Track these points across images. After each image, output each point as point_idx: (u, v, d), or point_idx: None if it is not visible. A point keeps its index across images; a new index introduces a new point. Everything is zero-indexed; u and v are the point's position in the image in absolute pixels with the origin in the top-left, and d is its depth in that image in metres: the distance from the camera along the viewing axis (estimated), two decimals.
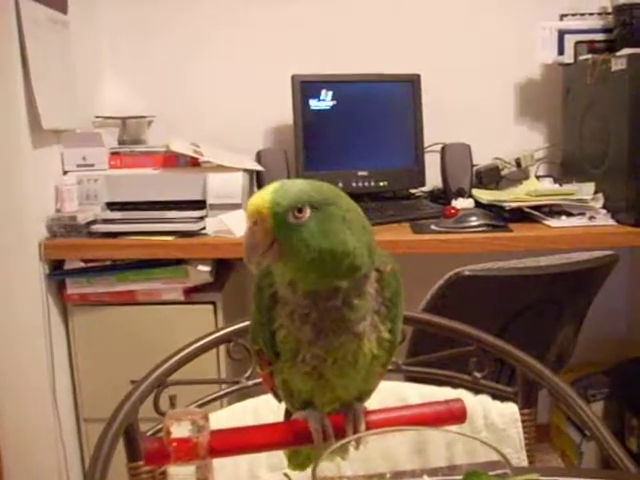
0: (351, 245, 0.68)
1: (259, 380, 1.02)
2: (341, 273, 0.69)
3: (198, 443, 0.72)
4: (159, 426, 0.98)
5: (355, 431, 0.76)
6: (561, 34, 2.39)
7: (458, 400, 0.79)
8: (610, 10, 2.33)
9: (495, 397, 1.09)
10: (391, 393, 1.06)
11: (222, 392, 1.07)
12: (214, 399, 1.07)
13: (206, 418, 0.74)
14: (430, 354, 1.12)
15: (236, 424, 0.82)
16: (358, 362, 0.73)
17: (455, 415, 0.79)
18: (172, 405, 0.95)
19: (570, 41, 2.37)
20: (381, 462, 0.74)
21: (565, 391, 0.96)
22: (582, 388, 2.57)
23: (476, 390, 1.09)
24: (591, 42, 2.36)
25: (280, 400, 0.82)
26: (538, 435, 2.06)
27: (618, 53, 2.10)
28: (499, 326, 1.63)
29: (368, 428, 0.77)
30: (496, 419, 1.05)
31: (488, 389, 1.09)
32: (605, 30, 2.36)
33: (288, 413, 0.83)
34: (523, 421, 1.06)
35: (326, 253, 0.67)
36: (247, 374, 1.05)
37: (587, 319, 1.97)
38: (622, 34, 2.24)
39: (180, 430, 0.72)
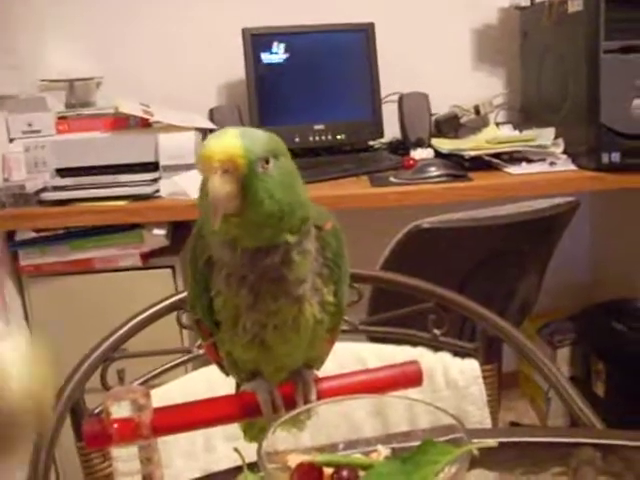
0: (302, 196, 0.66)
1: None
2: (293, 227, 0.65)
3: (140, 422, 0.69)
4: None
5: (306, 400, 0.73)
6: None
7: (413, 362, 0.76)
8: None
9: (457, 354, 1.06)
10: (349, 354, 1.03)
11: (174, 362, 1.03)
12: (167, 369, 1.03)
13: (147, 396, 0.70)
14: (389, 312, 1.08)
15: (188, 396, 0.78)
16: (300, 327, 0.69)
17: (410, 378, 0.75)
18: (120, 380, 0.91)
19: None
20: (340, 427, 0.71)
21: (528, 347, 0.93)
22: (548, 334, 2.58)
23: (436, 348, 1.06)
24: None
25: (227, 373, 0.78)
26: (508, 381, 2.06)
27: None
28: (461, 278, 1.61)
29: (320, 396, 0.73)
30: (457, 376, 1.02)
31: (448, 346, 1.06)
32: None
33: (239, 386, 0.79)
34: (485, 377, 1.03)
35: (286, 205, 0.63)
36: (198, 342, 1.01)
37: (550, 266, 1.96)
38: None
39: (121, 410, 0.69)
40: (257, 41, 2.29)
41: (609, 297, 2.49)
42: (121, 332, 0.97)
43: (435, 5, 2.51)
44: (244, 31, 2.27)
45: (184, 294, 1.04)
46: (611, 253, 2.68)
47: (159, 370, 1.01)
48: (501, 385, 1.15)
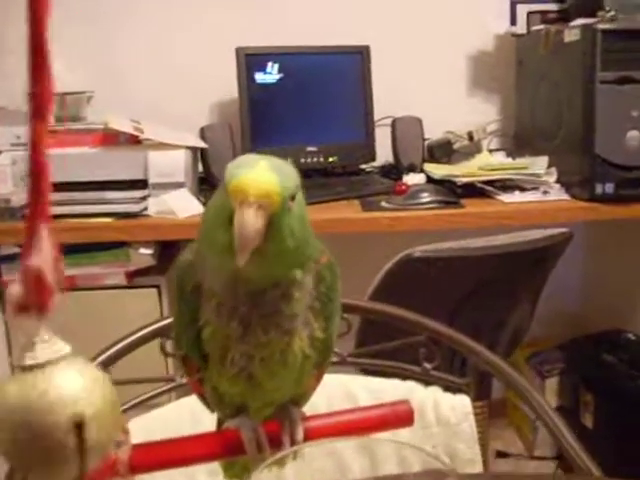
0: (311, 231, 0.63)
1: None
2: (302, 263, 0.63)
3: (117, 460, 0.65)
4: None
5: (292, 439, 0.69)
6: (513, 4, 2.34)
7: (404, 402, 0.73)
8: None
9: (448, 388, 1.03)
10: (337, 387, 1.00)
11: (157, 391, 1.00)
12: (149, 398, 1.00)
13: (126, 432, 0.66)
14: (379, 344, 1.05)
15: (171, 426, 0.75)
16: (288, 361, 0.66)
17: (401, 418, 0.72)
18: None
19: (522, 11, 2.33)
20: (327, 467, 0.68)
21: (520, 384, 0.90)
22: (537, 364, 2.55)
23: (427, 382, 1.03)
24: (544, 12, 2.32)
25: (212, 410, 0.75)
26: (496, 409, 2.04)
27: (571, 24, 2.05)
28: (452, 307, 1.58)
29: (306, 435, 0.70)
30: (448, 413, 0.99)
31: (439, 380, 1.03)
32: (557, 0, 2.31)
33: (220, 422, 0.76)
34: (476, 414, 1.00)
35: (302, 241, 0.61)
36: (182, 372, 0.98)
37: (541, 294, 1.93)
38: (575, 4, 2.21)
39: None
40: (251, 61, 2.27)
41: (599, 328, 2.47)
42: (101, 359, 0.93)
43: (431, 30, 2.50)
44: (238, 50, 2.25)
45: (168, 320, 1.01)
46: (603, 283, 2.66)
47: (141, 399, 0.97)
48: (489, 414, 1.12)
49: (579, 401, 2.38)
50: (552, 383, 2.52)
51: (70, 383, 0.52)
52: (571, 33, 2.01)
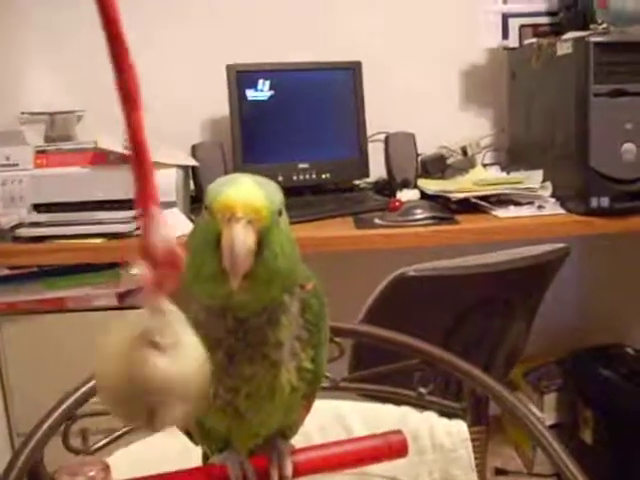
0: (298, 253, 0.61)
1: None
2: (291, 284, 0.61)
3: None
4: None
5: (280, 475, 0.67)
6: (505, 18, 2.32)
7: (397, 432, 0.70)
8: None
9: (443, 413, 1.00)
10: (329, 413, 0.97)
11: None
12: (131, 430, 0.97)
13: (106, 470, 0.64)
14: (372, 368, 1.03)
15: (156, 458, 0.72)
16: (275, 395, 0.64)
17: (395, 449, 0.70)
18: (84, 440, 0.85)
19: (514, 25, 2.31)
20: None
21: (520, 410, 0.87)
22: (535, 379, 2.52)
23: (422, 406, 1.00)
24: (536, 25, 2.30)
25: (196, 443, 0.72)
26: (493, 425, 2.00)
27: (563, 37, 2.04)
28: (447, 327, 1.55)
29: (296, 469, 0.67)
30: (444, 439, 0.96)
31: (435, 405, 1.00)
32: (549, 13, 2.30)
33: (206, 456, 0.73)
34: (473, 439, 0.97)
35: (292, 261, 0.59)
36: None
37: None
38: (567, 17, 2.19)
39: None
40: (242, 78, 2.25)
41: (596, 342, 2.45)
42: (86, 387, 0.90)
43: (423, 44, 2.49)
44: (229, 67, 2.23)
45: None
46: (599, 298, 2.64)
47: (123, 430, 0.94)
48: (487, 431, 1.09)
49: (578, 417, 2.35)
50: (550, 399, 2.48)
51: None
52: (563, 46, 1.99)
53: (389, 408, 0.99)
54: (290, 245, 0.59)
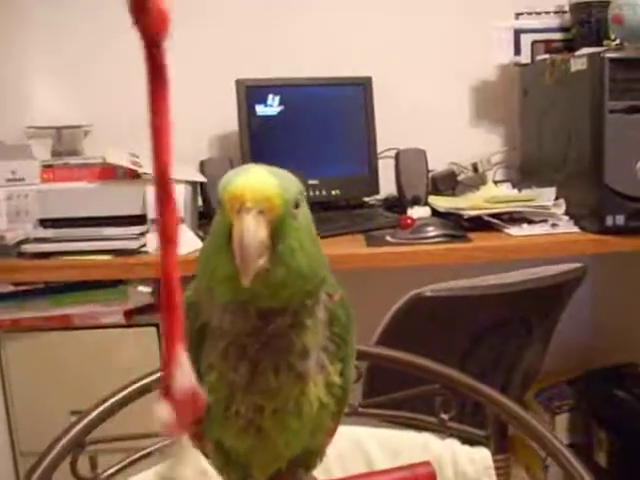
0: (322, 254, 0.57)
1: None
2: (314, 286, 0.57)
3: None
4: None
5: None
6: (517, 34, 2.30)
7: (426, 464, 0.67)
8: (567, 8, 2.25)
9: (465, 440, 0.97)
10: (347, 440, 0.94)
11: (154, 447, 0.93)
12: (146, 455, 0.93)
13: None
14: (389, 392, 0.99)
15: None
16: (303, 412, 0.60)
17: None
18: (93, 467, 0.81)
19: (527, 41, 2.29)
20: None
21: (547, 438, 0.83)
22: (546, 399, 2.48)
23: (443, 433, 0.97)
24: (548, 42, 2.28)
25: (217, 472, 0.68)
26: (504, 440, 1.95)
27: (577, 53, 2.01)
28: (464, 348, 1.52)
29: None
30: (467, 467, 0.93)
31: (456, 431, 0.97)
32: (562, 29, 2.28)
33: None
34: (497, 468, 0.94)
35: (313, 259, 0.54)
36: None
37: None
38: (580, 33, 2.17)
39: None
40: (251, 93, 2.23)
41: (609, 362, 2.41)
42: (94, 414, 0.87)
43: (434, 60, 2.47)
44: (238, 82, 2.21)
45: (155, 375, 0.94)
46: (613, 317, 2.60)
47: (138, 455, 0.91)
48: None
49: (592, 438, 2.31)
50: (562, 420, 2.44)
51: None
52: (577, 62, 1.97)
53: (409, 435, 0.95)
54: (311, 242, 0.55)
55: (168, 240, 0.42)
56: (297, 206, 0.54)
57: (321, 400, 0.61)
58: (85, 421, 0.85)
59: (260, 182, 0.52)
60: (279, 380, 0.58)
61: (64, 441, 0.83)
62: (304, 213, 0.55)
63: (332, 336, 0.61)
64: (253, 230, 0.49)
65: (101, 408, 0.87)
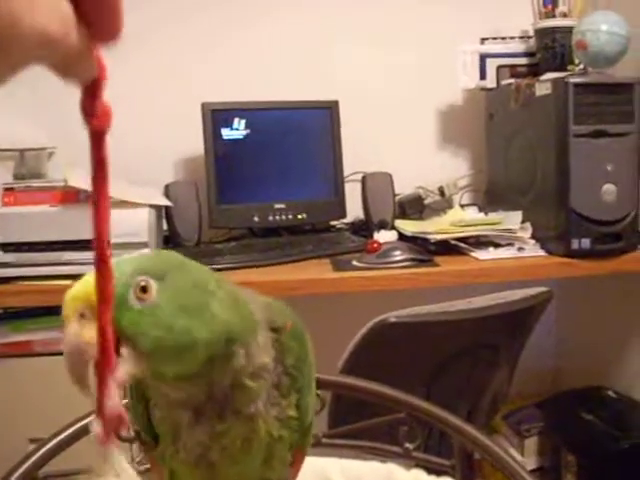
0: (215, 309, 0.53)
1: None
2: (215, 351, 0.53)
3: None
4: None
5: None
6: (482, 58, 2.31)
7: None
8: (532, 34, 2.27)
9: (429, 470, 0.95)
10: (310, 470, 0.91)
11: None
12: None
13: None
14: (354, 421, 0.97)
15: None
16: (252, 447, 0.58)
17: None
18: None
19: (492, 65, 2.30)
20: None
21: (514, 469, 0.82)
22: (515, 423, 2.48)
23: (409, 462, 0.95)
24: (513, 66, 2.30)
25: None
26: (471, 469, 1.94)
27: (542, 77, 2.03)
28: (430, 375, 1.50)
29: None
30: None
31: (421, 461, 0.95)
32: (527, 54, 2.30)
33: None
34: None
35: (202, 326, 0.51)
36: (139, 457, 0.89)
37: None
38: (545, 58, 2.19)
39: None
40: (217, 116, 2.21)
41: (577, 385, 2.41)
42: (50, 445, 0.84)
43: (400, 84, 2.47)
44: (204, 106, 2.19)
45: None
46: (580, 339, 2.61)
47: None
48: None
49: (560, 461, 2.30)
50: (531, 443, 2.44)
51: None
52: (542, 87, 1.98)
53: (374, 465, 0.93)
54: (192, 312, 0.51)
55: (104, 300, 0.46)
56: (144, 289, 0.51)
57: (272, 434, 0.59)
58: (39, 454, 0.82)
59: (80, 285, 0.51)
60: (224, 424, 0.56)
61: (16, 475, 0.80)
62: (174, 285, 0.52)
63: (286, 369, 0.59)
64: (73, 347, 0.49)
65: (56, 440, 0.84)
